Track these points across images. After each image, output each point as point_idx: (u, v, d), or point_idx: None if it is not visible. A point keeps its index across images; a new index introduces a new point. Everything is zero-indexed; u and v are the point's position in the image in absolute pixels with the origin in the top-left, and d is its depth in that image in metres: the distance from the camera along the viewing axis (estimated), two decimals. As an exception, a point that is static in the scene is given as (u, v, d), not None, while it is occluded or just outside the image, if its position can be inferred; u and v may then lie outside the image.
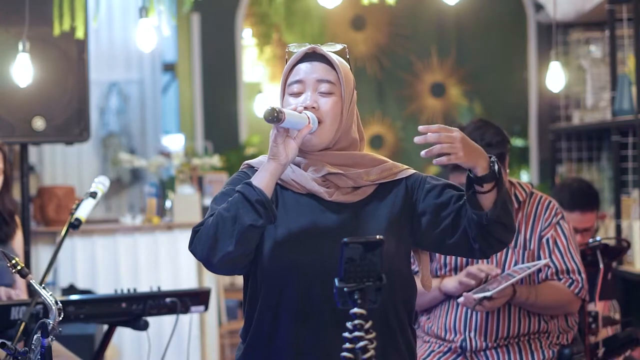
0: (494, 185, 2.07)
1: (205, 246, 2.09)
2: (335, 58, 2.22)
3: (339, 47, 2.26)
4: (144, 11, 4.02)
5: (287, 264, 2.14)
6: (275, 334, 2.17)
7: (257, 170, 2.20)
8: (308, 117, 2.14)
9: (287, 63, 2.25)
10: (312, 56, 2.22)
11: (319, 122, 2.17)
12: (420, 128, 2.04)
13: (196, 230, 2.13)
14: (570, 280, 3.08)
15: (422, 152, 2.04)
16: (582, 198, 4.01)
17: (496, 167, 2.06)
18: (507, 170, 3.12)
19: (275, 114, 2.06)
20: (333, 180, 2.19)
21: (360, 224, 2.17)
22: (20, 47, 3.75)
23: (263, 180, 2.10)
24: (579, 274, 3.09)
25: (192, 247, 2.13)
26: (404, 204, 2.22)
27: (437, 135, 2.02)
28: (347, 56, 2.27)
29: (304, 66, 2.21)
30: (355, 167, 2.21)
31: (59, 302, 2.22)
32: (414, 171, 2.29)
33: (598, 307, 3.69)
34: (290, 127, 2.11)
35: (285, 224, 2.16)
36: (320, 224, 2.16)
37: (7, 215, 3.46)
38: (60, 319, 2.19)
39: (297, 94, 2.20)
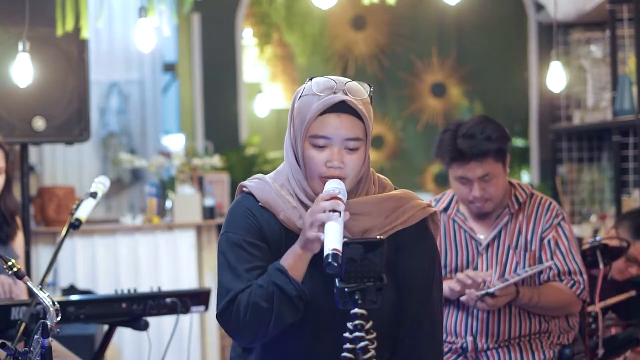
0: None
1: (239, 330, 2.10)
2: (364, 109, 2.13)
3: (367, 90, 2.16)
4: (144, 11, 4.02)
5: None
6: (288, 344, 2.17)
7: (262, 207, 2.16)
8: (343, 203, 2.04)
9: (309, 104, 2.12)
10: (339, 105, 2.11)
11: (343, 179, 2.12)
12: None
13: (228, 306, 2.09)
14: (572, 282, 3.07)
15: None
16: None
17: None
18: (508, 170, 3.11)
19: (337, 265, 1.91)
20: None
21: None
22: (21, 47, 3.75)
23: (297, 268, 2.08)
24: (581, 275, 3.08)
25: (223, 320, 2.12)
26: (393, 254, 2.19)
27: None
28: (371, 94, 2.18)
29: (332, 121, 2.10)
30: (371, 214, 2.15)
31: (56, 303, 2.21)
32: (424, 216, 2.22)
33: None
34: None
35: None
36: (324, 281, 2.10)
37: (8, 216, 3.46)
38: (58, 319, 2.19)
39: (322, 148, 2.12)
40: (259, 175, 2.25)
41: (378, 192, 2.22)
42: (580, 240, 3.76)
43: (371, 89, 2.18)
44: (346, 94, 2.12)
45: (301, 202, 2.16)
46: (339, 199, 2.04)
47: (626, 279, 3.74)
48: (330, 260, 1.91)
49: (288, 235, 2.15)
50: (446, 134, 3.06)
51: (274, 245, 2.15)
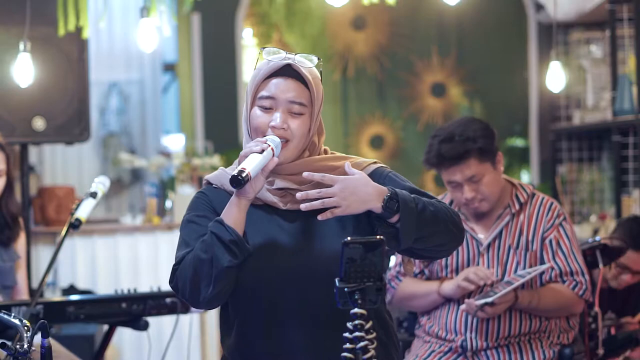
0: (399, 216, 2.05)
1: (186, 289, 2.13)
2: (310, 76, 2.18)
3: (314, 60, 2.20)
4: (145, 11, 4.02)
5: (254, 276, 2.14)
6: (251, 344, 2.18)
7: (215, 188, 2.24)
8: (272, 149, 2.10)
9: (259, 69, 2.20)
10: (286, 69, 2.18)
11: (286, 141, 2.16)
12: (305, 174, 2.06)
13: (175, 269, 2.16)
14: (574, 282, 3.07)
15: (302, 206, 2.04)
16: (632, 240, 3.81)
17: (392, 202, 2.04)
18: (501, 167, 3.11)
19: (241, 179, 2.03)
20: (288, 191, 2.19)
21: (314, 229, 2.15)
22: (21, 47, 3.75)
23: (233, 218, 2.11)
24: (583, 275, 3.08)
25: (173, 285, 2.19)
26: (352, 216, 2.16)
27: (316, 192, 2.03)
28: (321, 68, 2.23)
29: (277, 82, 2.17)
30: (295, 177, 2.19)
31: (24, 321, 2.19)
32: (376, 166, 2.23)
33: (628, 317, 3.66)
34: (259, 170, 2.08)
35: (247, 237, 2.15)
36: (277, 233, 2.16)
37: (9, 218, 3.46)
38: (27, 341, 2.14)
39: (267, 109, 2.17)
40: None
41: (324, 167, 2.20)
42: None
43: (320, 61, 2.22)
44: (294, 62, 2.17)
45: None
46: (264, 141, 2.10)
47: (627, 287, 3.72)
48: (235, 173, 2.02)
49: None
50: (432, 140, 3.07)
51: None
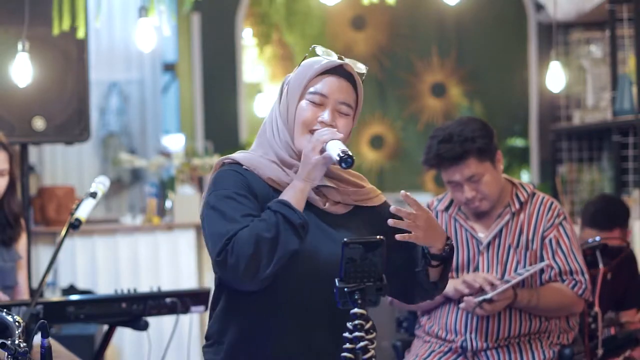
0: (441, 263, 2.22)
1: (241, 265, 2.07)
2: (358, 81, 2.24)
3: (363, 69, 2.27)
4: (144, 11, 4.02)
5: (289, 271, 2.13)
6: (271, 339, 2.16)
7: (246, 169, 2.20)
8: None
9: (311, 65, 2.23)
10: (338, 69, 2.22)
11: None
12: (402, 194, 2.13)
13: (226, 243, 2.09)
14: (573, 282, 3.07)
15: (390, 222, 2.12)
16: (600, 217, 3.89)
17: (450, 251, 2.22)
18: (501, 166, 3.11)
19: (353, 159, 2.09)
20: (323, 191, 2.23)
21: (348, 233, 2.19)
22: (20, 47, 3.75)
23: (298, 201, 2.13)
24: (582, 274, 3.08)
25: (221, 259, 2.10)
26: (376, 226, 2.24)
27: (406, 213, 2.12)
28: (364, 77, 2.28)
29: (331, 80, 2.21)
30: (342, 183, 2.25)
31: (15, 318, 2.18)
32: (384, 199, 2.34)
33: (627, 315, 3.68)
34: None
35: None
36: (316, 231, 2.17)
37: (12, 219, 3.45)
38: (20, 337, 2.13)
39: (317, 105, 2.20)
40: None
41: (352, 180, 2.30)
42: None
43: (366, 69, 2.27)
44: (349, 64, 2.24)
45: (284, 162, 2.21)
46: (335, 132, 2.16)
47: (623, 281, 3.72)
48: (343, 155, 2.06)
49: (275, 194, 2.18)
50: (431, 140, 3.08)
51: (262, 203, 2.17)
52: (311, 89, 2.21)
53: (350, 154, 2.08)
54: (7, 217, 3.44)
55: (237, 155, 2.26)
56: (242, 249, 2.07)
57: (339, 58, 2.24)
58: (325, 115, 2.19)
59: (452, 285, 3.03)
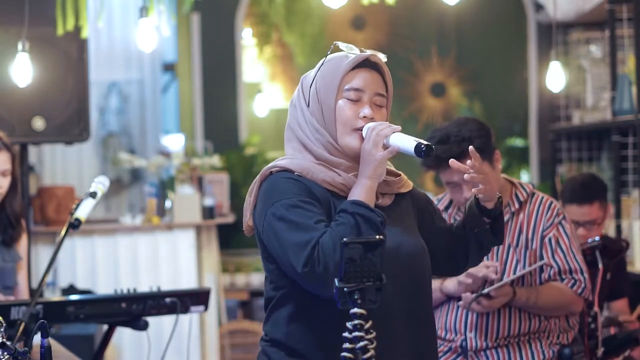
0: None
1: (329, 272, 2.01)
2: (387, 69, 2.24)
3: (385, 58, 2.26)
4: (144, 11, 4.02)
5: None
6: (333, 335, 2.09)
7: (299, 174, 2.16)
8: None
9: (339, 62, 2.20)
10: (366, 62, 2.21)
11: None
12: (470, 149, 2.23)
13: (310, 253, 2.03)
14: (572, 281, 3.08)
15: (466, 177, 2.22)
16: (580, 191, 3.97)
17: (500, 205, 2.34)
18: (499, 165, 3.11)
19: (432, 150, 2.11)
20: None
21: (396, 224, 2.20)
22: (20, 46, 3.75)
23: (370, 199, 2.11)
24: (582, 273, 3.09)
25: (308, 270, 2.03)
26: (414, 212, 2.30)
27: (475, 167, 2.23)
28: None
29: (364, 74, 2.20)
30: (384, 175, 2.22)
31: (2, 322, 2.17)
32: (412, 184, 2.37)
33: (617, 306, 3.69)
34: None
35: None
36: None
37: (13, 219, 3.45)
38: (2, 336, 2.12)
39: (354, 101, 2.19)
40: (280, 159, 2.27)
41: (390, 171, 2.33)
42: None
43: (386, 58, 2.27)
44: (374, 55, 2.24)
45: (328, 162, 2.19)
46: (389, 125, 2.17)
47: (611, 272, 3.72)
48: (421, 145, 2.10)
49: (333, 197, 2.16)
50: (429, 141, 3.07)
51: (325, 207, 2.14)
52: (347, 86, 2.19)
53: (427, 142, 2.11)
54: (8, 217, 3.44)
55: (284, 162, 2.20)
56: (328, 256, 2.02)
57: (361, 51, 2.23)
58: (366, 110, 2.18)
59: (456, 280, 3.03)
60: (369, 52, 2.22)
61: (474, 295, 2.94)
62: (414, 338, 2.17)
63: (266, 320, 2.24)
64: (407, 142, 2.12)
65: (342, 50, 2.23)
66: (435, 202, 3.23)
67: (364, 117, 2.17)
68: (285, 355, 2.18)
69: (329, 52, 2.25)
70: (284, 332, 2.19)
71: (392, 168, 2.30)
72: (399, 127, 2.16)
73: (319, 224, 2.07)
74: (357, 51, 2.22)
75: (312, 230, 2.06)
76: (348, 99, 2.19)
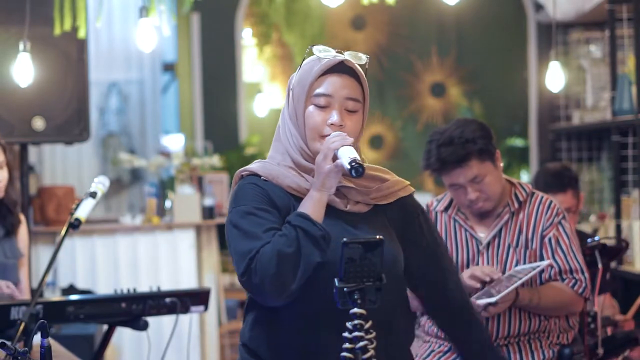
0: None
1: (266, 283, 2.04)
2: (361, 73, 2.21)
3: (364, 59, 2.23)
4: (144, 11, 4.02)
5: (321, 275, 2.09)
6: (297, 340, 2.14)
7: (265, 180, 2.18)
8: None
9: (311, 67, 2.20)
10: (339, 66, 2.19)
11: None
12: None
13: (249, 263, 2.06)
14: (573, 280, 3.08)
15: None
16: (552, 180, 4.02)
17: None
18: (501, 165, 3.11)
19: (362, 167, 2.06)
20: (343, 192, 2.20)
21: (372, 233, 2.16)
22: (21, 47, 3.75)
23: (317, 212, 2.10)
24: (582, 273, 3.09)
25: (246, 279, 2.07)
26: (398, 222, 2.26)
27: None
28: (367, 66, 2.25)
29: (334, 80, 2.18)
30: (362, 181, 2.20)
31: None
32: (411, 191, 2.31)
33: (599, 301, 3.70)
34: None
35: None
36: (343, 234, 2.11)
37: (12, 206, 3.48)
38: None
39: (323, 107, 2.18)
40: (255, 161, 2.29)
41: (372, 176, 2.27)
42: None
43: (368, 59, 2.24)
44: (347, 59, 2.20)
45: (300, 167, 2.19)
46: (346, 136, 2.13)
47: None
48: (353, 163, 2.03)
49: (297, 202, 2.16)
50: (430, 144, 3.08)
51: (284, 213, 2.15)
52: (315, 92, 2.18)
53: (360, 162, 2.05)
54: (7, 206, 3.46)
55: (254, 166, 2.23)
56: (265, 268, 2.04)
57: (338, 53, 2.20)
58: (334, 117, 2.16)
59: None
60: (342, 56, 2.19)
61: (481, 303, 2.92)
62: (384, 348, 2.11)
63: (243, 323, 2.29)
64: (344, 160, 2.07)
65: (315, 55, 2.21)
66: (435, 203, 3.23)
67: (332, 124, 2.16)
68: (250, 358, 2.22)
69: (305, 56, 2.25)
70: (248, 336, 2.23)
71: (379, 173, 2.26)
72: (350, 140, 2.11)
73: (268, 232, 2.09)
74: (331, 55, 2.20)
75: (257, 239, 2.08)
76: (317, 105, 2.18)
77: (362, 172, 2.04)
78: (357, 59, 2.21)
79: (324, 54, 2.20)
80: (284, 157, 2.22)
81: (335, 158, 2.09)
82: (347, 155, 2.06)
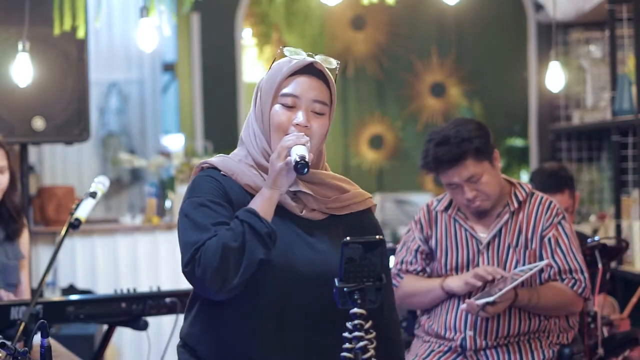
0: None
1: (207, 276, 2.06)
2: (330, 77, 2.21)
3: (334, 63, 2.23)
4: (144, 11, 4.02)
5: (267, 275, 2.11)
6: (238, 340, 2.15)
7: (224, 175, 2.19)
8: (307, 145, 2.13)
9: (280, 67, 2.21)
10: (308, 68, 2.20)
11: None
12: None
13: (194, 254, 2.08)
14: (573, 280, 3.08)
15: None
16: (549, 180, 4.02)
17: None
18: (499, 164, 3.12)
19: (307, 165, 2.06)
20: (300, 197, 2.20)
21: (325, 238, 2.18)
22: (20, 47, 3.75)
23: (266, 210, 2.10)
24: (582, 273, 3.09)
25: (189, 270, 2.09)
26: (355, 233, 2.21)
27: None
28: (337, 72, 2.25)
29: (302, 80, 2.19)
30: (321, 189, 2.21)
31: None
32: (369, 205, 2.30)
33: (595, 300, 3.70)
34: None
35: None
36: (294, 238, 2.16)
37: (14, 212, 3.47)
38: None
39: (290, 107, 2.18)
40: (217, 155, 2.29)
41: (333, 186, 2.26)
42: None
43: (338, 64, 2.24)
44: (317, 61, 2.21)
45: (261, 167, 2.20)
46: (303, 136, 2.13)
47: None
48: (300, 161, 2.04)
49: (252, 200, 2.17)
50: (427, 144, 3.08)
51: (239, 210, 2.15)
52: (283, 92, 2.18)
53: (307, 160, 2.05)
54: (9, 212, 3.45)
55: (216, 160, 2.24)
56: (208, 260, 2.05)
57: (309, 56, 2.21)
58: (300, 117, 2.17)
59: (462, 280, 3.03)
60: (312, 58, 2.20)
61: (480, 303, 2.93)
62: (313, 347, 2.13)
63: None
64: (293, 157, 2.08)
65: (287, 56, 2.22)
66: (435, 203, 3.24)
67: (297, 124, 2.16)
68: (190, 357, 2.23)
69: (275, 58, 2.26)
70: (187, 332, 2.25)
71: (341, 184, 2.25)
72: (305, 139, 2.11)
73: (217, 226, 2.10)
74: (302, 56, 2.21)
75: (205, 231, 2.09)
76: (283, 105, 2.18)
77: (305, 171, 2.05)
78: (328, 62, 2.22)
79: (295, 55, 2.21)
80: (246, 154, 2.23)
81: (288, 157, 2.10)
82: (296, 153, 2.07)
